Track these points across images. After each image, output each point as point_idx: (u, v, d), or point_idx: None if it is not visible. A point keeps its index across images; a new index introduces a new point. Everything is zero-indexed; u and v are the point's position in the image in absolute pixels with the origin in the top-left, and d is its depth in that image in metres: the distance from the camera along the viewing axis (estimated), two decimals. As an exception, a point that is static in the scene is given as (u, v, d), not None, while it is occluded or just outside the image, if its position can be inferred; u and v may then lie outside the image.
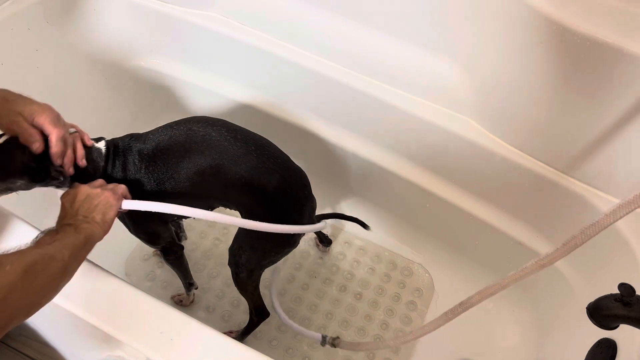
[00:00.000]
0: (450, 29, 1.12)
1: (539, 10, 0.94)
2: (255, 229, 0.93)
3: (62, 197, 0.81)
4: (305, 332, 1.22)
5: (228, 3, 1.34)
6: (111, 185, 0.86)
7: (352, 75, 1.27)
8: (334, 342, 1.12)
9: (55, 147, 0.80)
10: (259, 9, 1.32)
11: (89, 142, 0.90)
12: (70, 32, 1.37)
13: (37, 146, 0.79)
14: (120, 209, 0.84)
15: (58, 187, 0.88)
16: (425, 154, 1.31)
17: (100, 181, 0.87)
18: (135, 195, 0.90)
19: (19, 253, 0.64)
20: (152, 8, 1.39)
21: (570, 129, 1.05)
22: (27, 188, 0.84)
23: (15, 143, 0.79)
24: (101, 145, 0.91)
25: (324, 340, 1.15)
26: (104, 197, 0.82)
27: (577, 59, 0.94)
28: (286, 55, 1.31)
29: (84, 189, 0.82)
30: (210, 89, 1.49)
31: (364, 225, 1.38)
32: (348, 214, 1.54)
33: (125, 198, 0.86)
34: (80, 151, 0.87)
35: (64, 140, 0.82)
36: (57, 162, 0.83)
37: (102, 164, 0.90)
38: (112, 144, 0.93)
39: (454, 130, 1.20)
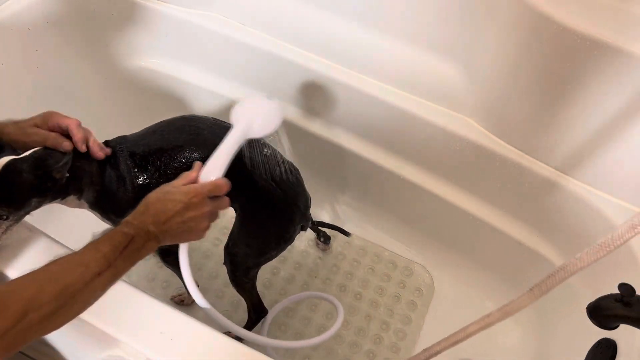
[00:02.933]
0: (450, 28, 1.12)
1: (539, 10, 0.94)
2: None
3: (185, 194, 0.71)
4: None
5: (228, 3, 1.34)
6: (223, 204, 0.77)
7: (352, 74, 1.27)
8: None
9: (77, 134, 0.81)
10: (259, 9, 1.32)
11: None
12: (70, 32, 1.37)
13: (67, 145, 0.80)
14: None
15: (63, 199, 0.85)
16: (424, 154, 1.30)
17: (225, 185, 0.76)
18: (129, 197, 0.90)
19: (56, 292, 0.57)
20: (152, 8, 1.39)
21: (570, 128, 1.05)
22: (40, 205, 0.81)
23: (8, 169, 0.74)
24: None
25: None
26: (197, 232, 0.74)
27: (576, 59, 0.94)
28: (286, 56, 1.31)
29: (202, 207, 0.72)
30: (210, 88, 1.49)
31: (344, 232, 1.38)
32: (348, 214, 1.55)
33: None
34: (95, 146, 0.86)
35: (81, 127, 0.83)
36: (82, 148, 0.83)
37: (92, 169, 0.87)
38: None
39: (454, 130, 1.20)
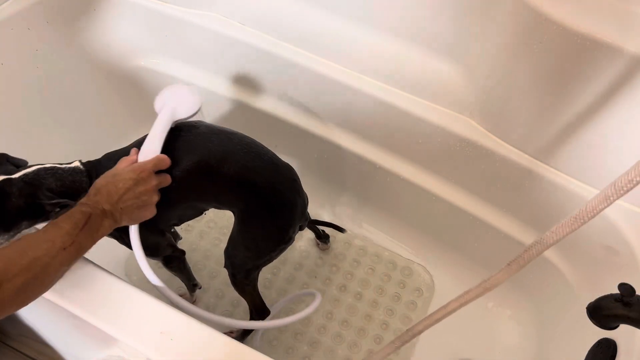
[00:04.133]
0: (450, 28, 1.12)
1: (539, 10, 0.94)
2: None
3: (130, 173, 0.79)
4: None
5: (228, 3, 1.34)
6: (164, 182, 0.85)
7: (352, 74, 1.27)
8: None
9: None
10: (259, 9, 1.32)
11: None
12: (70, 32, 1.37)
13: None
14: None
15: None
16: (424, 154, 1.31)
17: (164, 161, 0.85)
18: None
19: (27, 263, 0.62)
20: (152, 8, 1.39)
21: (570, 128, 1.05)
22: (30, 226, 0.81)
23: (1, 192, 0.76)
24: (77, 164, 0.88)
25: None
26: (148, 207, 0.82)
27: (577, 59, 0.94)
28: (286, 56, 1.31)
29: (149, 181, 0.80)
30: (210, 88, 1.49)
31: (339, 229, 1.37)
32: (348, 214, 1.55)
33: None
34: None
35: None
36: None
37: (82, 189, 0.85)
38: (89, 164, 0.90)
39: (454, 130, 1.20)
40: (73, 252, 0.68)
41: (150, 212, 0.83)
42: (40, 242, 0.65)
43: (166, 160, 0.85)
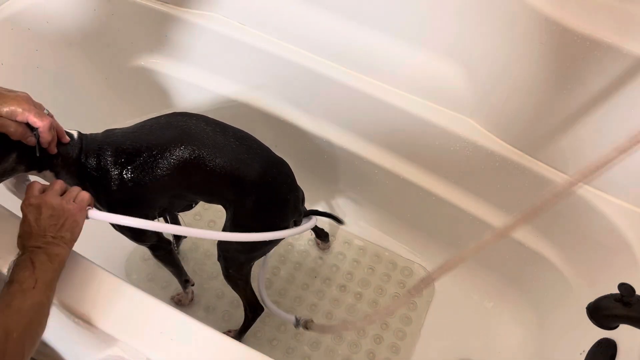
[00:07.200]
0: (450, 29, 1.12)
1: (539, 10, 0.94)
2: (237, 240, 0.96)
3: (25, 208, 0.76)
4: (280, 314, 1.22)
5: (228, 3, 1.34)
6: (74, 192, 0.81)
7: (352, 75, 1.27)
8: (307, 325, 1.16)
9: (47, 137, 0.80)
10: (259, 9, 1.32)
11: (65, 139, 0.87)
12: (70, 32, 1.37)
13: (32, 140, 0.79)
14: (87, 217, 0.81)
15: (39, 172, 0.86)
16: (425, 154, 1.31)
17: (59, 184, 0.81)
18: (112, 190, 0.90)
19: (16, 313, 0.64)
20: (152, 8, 1.39)
21: (569, 128, 1.05)
22: (15, 171, 0.82)
23: None
24: (74, 133, 0.89)
25: (297, 323, 1.17)
26: (71, 214, 0.78)
27: (577, 59, 0.94)
28: (286, 56, 1.31)
29: (49, 202, 0.76)
30: (210, 88, 1.49)
31: (338, 220, 1.36)
32: (348, 214, 1.55)
33: (89, 206, 0.82)
34: (61, 130, 0.86)
35: (52, 129, 0.81)
36: (53, 150, 0.83)
37: (73, 154, 0.88)
38: (84, 136, 0.91)
39: (454, 130, 1.20)
40: (41, 288, 0.69)
41: (78, 218, 0.79)
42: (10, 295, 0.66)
43: (37, 184, 0.81)
